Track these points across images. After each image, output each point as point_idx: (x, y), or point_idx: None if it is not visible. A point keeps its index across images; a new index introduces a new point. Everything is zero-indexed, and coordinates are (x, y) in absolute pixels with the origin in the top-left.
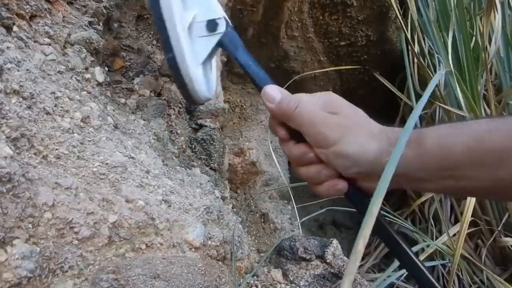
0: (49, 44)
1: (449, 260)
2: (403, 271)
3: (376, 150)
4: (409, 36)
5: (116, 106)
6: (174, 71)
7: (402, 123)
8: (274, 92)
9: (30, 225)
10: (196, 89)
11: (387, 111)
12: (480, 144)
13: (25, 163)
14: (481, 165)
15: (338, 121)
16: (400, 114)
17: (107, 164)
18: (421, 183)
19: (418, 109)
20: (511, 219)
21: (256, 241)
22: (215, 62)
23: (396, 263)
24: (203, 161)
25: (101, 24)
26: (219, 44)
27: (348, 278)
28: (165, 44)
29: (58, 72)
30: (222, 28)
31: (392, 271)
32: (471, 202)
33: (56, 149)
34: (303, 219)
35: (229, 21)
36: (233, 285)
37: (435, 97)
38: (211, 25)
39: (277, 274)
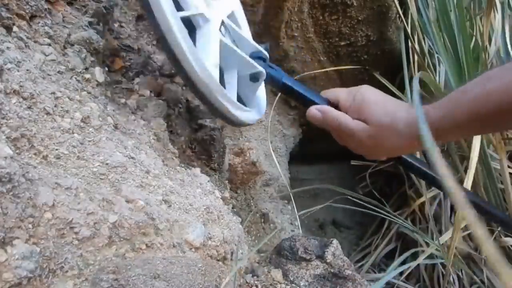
0: (49, 44)
1: (446, 259)
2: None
3: (403, 145)
4: (409, 35)
5: (116, 106)
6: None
7: None
8: (315, 114)
9: (30, 225)
10: (240, 119)
11: None
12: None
13: (25, 163)
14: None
15: (369, 132)
16: None
17: (107, 164)
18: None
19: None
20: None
21: (256, 241)
22: (264, 91)
23: (396, 262)
24: (203, 161)
25: (101, 24)
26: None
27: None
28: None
29: (58, 72)
30: (262, 76)
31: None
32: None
33: (56, 149)
34: (301, 212)
35: (267, 57)
36: (233, 285)
37: (435, 98)
38: (254, 77)
39: (277, 274)
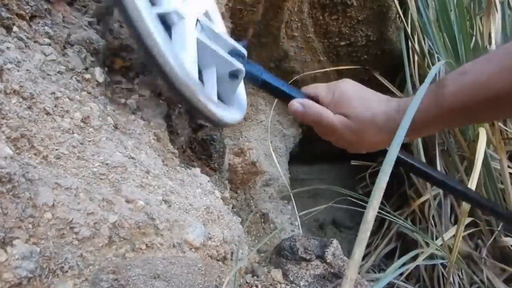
0: (49, 44)
1: (448, 260)
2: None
3: (383, 139)
4: (409, 35)
5: (116, 106)
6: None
7: None
8: (296, 107)
9: (30, 225)
10: (221, 118)
11: None
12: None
13: (25, 163)
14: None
15: (351, 126)
16: None
17: (107, 164)
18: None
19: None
20: None
21: (256, 241)
22: (243, 89)
23: (397, 263)
24: (203, 161)
25: (101, 24)
26: (245, 81)
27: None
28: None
29: (58, 72)
30: (242, 73)
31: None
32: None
33: (56, 149)
34: (302, 213)
35: (245, 53)
36: (233, 285)
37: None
38: (233, 75)
39: (277, 274)
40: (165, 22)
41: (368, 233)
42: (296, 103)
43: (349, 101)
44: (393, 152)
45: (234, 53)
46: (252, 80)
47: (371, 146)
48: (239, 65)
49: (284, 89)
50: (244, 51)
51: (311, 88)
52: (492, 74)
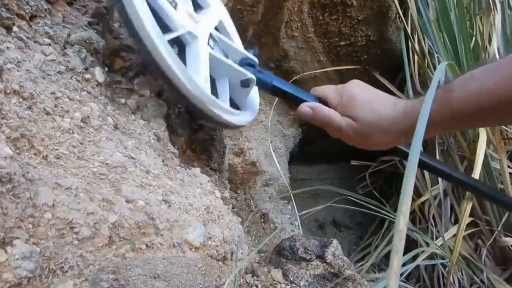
0: (49, 44)
1: (449, 260)
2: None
3: (389, 140)
4: (409, 35)
5: (116, 106)
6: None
7: None
8: (305, 110)
9: (30, 225)
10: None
11: None
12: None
13: (25, 163)
14: None
15: (358, 129)
16: None
17: (107, 164)
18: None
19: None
20: (511, 219)
21: (256, 241)
22: (256, 92)
23: None
24: (203, 161)
25: (101, 24)
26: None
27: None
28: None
29: (58, 72)
30: (253, 82)
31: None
32: (467, 206)
33: (56, 149)
34: (302, 212)
35: (256, 62)
36: (233, 285)
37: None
38: (244, 84)
39: (277, 274)
40: (181, 41)
41: (403, 242)
42: (306, 107)
43: (356, 104)
44: (414, 157)
45: (245, 62)
46: (263, 86)
47: (378, 146)
48: (249, 75)
49: (294, 93)
50: (255, 59)
51: (320, 90)
52: (498, 81)
